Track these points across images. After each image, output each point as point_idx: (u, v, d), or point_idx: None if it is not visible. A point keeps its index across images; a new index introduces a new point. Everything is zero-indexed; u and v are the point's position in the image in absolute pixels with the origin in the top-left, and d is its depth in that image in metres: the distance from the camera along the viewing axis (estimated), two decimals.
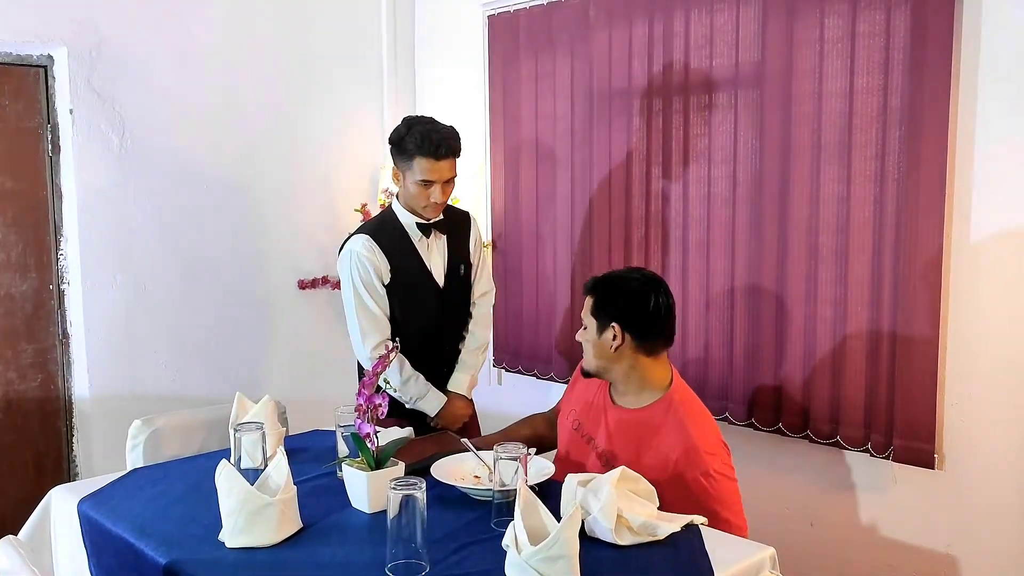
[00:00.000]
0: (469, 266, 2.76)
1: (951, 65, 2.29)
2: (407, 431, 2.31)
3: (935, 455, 2.40)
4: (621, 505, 1.69)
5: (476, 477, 2.03)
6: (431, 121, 2.59)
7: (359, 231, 2.66)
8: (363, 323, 2.58)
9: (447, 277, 2.70)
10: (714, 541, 1.72)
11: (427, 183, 2.54)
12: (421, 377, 2.64)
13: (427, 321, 2.68)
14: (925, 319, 2.39)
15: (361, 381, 1.86)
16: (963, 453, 2.41)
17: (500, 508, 1.79)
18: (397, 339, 1.90)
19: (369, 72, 3.89)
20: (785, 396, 2.71)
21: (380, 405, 1.79)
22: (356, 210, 3.67)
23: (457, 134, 2.59)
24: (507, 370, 3.64)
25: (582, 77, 3.20)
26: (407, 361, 2.62)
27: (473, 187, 3.71)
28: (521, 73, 3.42)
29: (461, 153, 2.59)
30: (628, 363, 2.08)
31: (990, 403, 2.35)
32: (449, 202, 2.70)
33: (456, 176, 2.60)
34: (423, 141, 2.50)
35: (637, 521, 1.68)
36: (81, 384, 3.21)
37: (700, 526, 1.77)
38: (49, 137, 3.12)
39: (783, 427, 2.73)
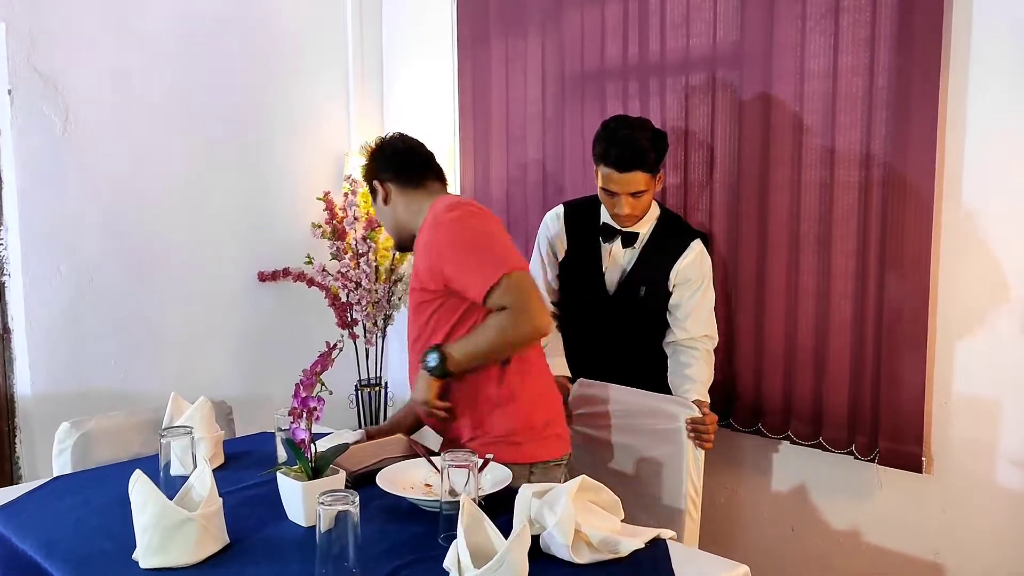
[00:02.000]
0: (658, 293, 2.42)
1: (941, 40, 2.14)
2: (357, 434, 2.15)
3: (923, 458, 2.26)
4: (580, 519, 1.53)
5: (427, 486, 1.87)
6: (628, 124, 2.33)
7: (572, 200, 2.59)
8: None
9: (619, 290, 2.45)
10: (681, 557, 1.56)
11: (608, 192, 2.34)
12: (557, 344, 2.49)
13: (590, 323, 2.51)
14: (913, 314, 2.24)
15: (298, 381, 1.70)
16: (952, 456, 2.27)
17: (449, 521, 1.62)
18: (342, 337, 1.73)
19: (334, 54, 3.72)
20: (764, 395, 2.56)
21: (316, 409, 1.63)
22: (319, 198, 3.50)
23: (652, 143, 2.28)
24: None
25: (554, 58, 3.04)
26: (555, 328, 2.50)
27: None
28: (491, 55, 3.26)
29: (657, 167, 2.31)
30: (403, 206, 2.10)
31: (981, 403, 2.21)
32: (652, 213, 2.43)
33: (648, 190, 2.32)
34: (607, 148, 2.29)
35: (597, 536, 1.53)
36: (23, 382, 3.03)
37: (667, 541, 1.62)
38: None
39: (763, 428, 2.58)
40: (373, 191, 2.17)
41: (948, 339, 2.25)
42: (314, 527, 1.60)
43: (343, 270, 3.45)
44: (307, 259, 3.48)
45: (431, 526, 1.67)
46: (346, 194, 3.48)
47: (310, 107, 3.64)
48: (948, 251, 2.22)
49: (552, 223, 2.56)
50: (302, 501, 1.65)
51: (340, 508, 1.39)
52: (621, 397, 2.36)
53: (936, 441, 2.28)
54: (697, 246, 2.43)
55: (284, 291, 3.56)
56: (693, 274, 2.41)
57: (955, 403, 2.25)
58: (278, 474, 1.71)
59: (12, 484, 3.04)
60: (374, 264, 3.49)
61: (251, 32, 3.45)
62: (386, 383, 3.73)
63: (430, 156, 2.20)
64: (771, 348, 2.53)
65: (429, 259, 2.00)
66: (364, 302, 3.48)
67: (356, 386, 3.67)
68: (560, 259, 2.56)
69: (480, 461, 1.68)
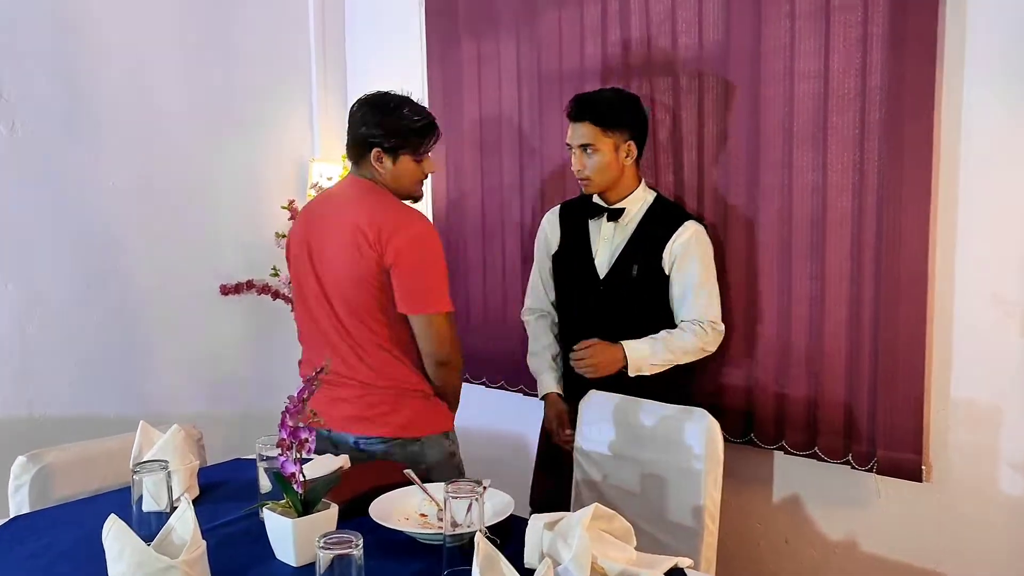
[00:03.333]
0: (652, 274, 2.37)
1: (936, 39, 2.09)
2: (341, 459, 2.03)
3: (922, 466, 2.21)
4: (595, 550, 1.44)
5: (422, 515, 1.76)
6: (603, 88, 2.50)
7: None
8: (530, 286, 2.63)
9: (611, 272, 2.40)
10: None
11: (569, 147, 2.40)
12: (546, 356, 2.53)
13: (583, 313, 2.47)
14: (910, 319, 2.19)
15: (284, 409, 1.57)
16: (953, 464, 2.22)
17: (453, 555, 1.52)
18: (327, 362, 1.60)
19: (296, 57, 3.58)
20: (756, 403, 2.49)
21: (307, 440, 1.50)
22: (283, 207, 3.35)
23: (610, 98, 2.36)
24: (467, 381, 3.35)
25: (529, 60, 2.94)
26: (552, 335, 2.55)
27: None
28: (462, 56, 3.15)
29: (607, 124, 2.32)
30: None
31: (981, 409, 2.17)
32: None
33: (599, 148, 2.33)
34: (571, 100, 2.38)
35: (615, 569, 1.43)
36: None
37: (686, 570, 1.53)
38: None
39: (755, 437, 2.51)
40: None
41: (946, 344, 2.20)
42: (306, 567, 1.48)
43: None
44: (273, 271, 3.33)
45: (432, 561, 1.56)
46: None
47: (271, 113, 3.49)
48: (945, 254, 2.18)
49: (547, 221, 2.59)
50: (292, 540, 1.53)
51: (343, 552, 1.27)
52: (632, 408, 2.28)
53: (935, 448, 2.23)
54: (693, 226, 2.37)
55: (248, 305, 3.40)
56: (690, 254, 2.34)
57: (954, 409, 2.21)
58: (264, 510, 1.58)
59: None
60: None
61: (208, 36, 3.29)
62: None
63: None
64: (763, 357, 2.46)
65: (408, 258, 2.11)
66: None
67: None
68: (553, 253, 2.55)
69: (482, 490, 1.57)
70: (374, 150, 2.19)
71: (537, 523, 1.50)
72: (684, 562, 1.54)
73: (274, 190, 3.45)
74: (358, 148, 2.22)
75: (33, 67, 2.84)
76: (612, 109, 2.33)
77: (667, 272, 2.38)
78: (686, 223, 2.38)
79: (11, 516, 1.88)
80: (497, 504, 1.74)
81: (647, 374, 2.36)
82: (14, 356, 2.86)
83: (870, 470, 2.29)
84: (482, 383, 3.21)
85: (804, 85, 2.31)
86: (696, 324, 2.37)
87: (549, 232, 2.57)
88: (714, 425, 2.15)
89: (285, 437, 1.51)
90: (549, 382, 2.52)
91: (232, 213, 3.38)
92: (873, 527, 2.38)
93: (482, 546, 1.30)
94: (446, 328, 2.17)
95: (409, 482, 1.84)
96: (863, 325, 2.27)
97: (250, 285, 3.35)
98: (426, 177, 2.31)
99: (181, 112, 3.22)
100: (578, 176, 2.40)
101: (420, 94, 3.30)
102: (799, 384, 2.40)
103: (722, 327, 2.40)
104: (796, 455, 2.43)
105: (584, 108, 2.33)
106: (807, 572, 2.52)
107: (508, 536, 1.64)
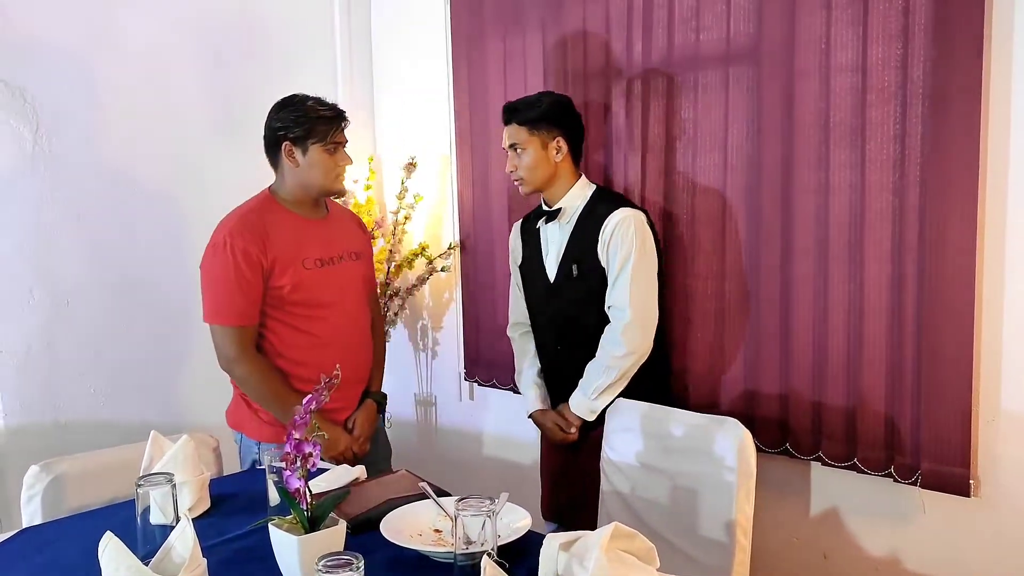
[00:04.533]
0: (592, 271, 2.36)
1: (983, 28, 1.97)
2: (356, 470, 1.97)
3: (970, 480, 2.08)
4: (614, 573, 1.35)
5: (437, 531, 1.69)
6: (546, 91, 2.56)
7: None
8: (510, 301, 2.67)
9: (558, 273, 2.43)
10: None
11: (506, 152, 2.46)
12: (532, 373, 2.56)
13: (543, 317, 2.52)
14: (956, 324, 2.07)
15: (290, 421, 1.51)
16: (1002, 479, 2.09)
17: (465, 574, 1.45)
18: (337, 370, 1.54)
19: (322, 57, 3.54)
20: (792, 412, 2.38)
21: (311, 455, 1.44)
22: None
23: (533, 100, 2.41)
24: (480, 384, 3.30)
25: (555, 56, 2.86)
26: (532, 350, 2.58)
27: (438, 181, 3.37)
28: (487, 54, 3.08)
29: (532, 124, 2.37)
30: None
31: None
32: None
33: (524, 148, 2.38)
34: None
35: None
36: None
37: None
38: None
39: (790, 447, 2.41)
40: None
41: (995, 351, 2.07)
42: None
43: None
44: None
45: None
46: None
47: None
48: (994, 255, 2.05)
49: (513, 234, 2.65)
50: (298, 558, 1.47)
51: (344, 575, 1.21)
52: (660, 417, 2.20)
53: (984, 461, 2.11)
54: (620, 213, 2.33)
55: None
56: (614, 240, 2.32)
57: (1004, 420, 2.08)
58: (270, 526, 1.52)
59: None
60: None
61: (233, 41, 3.26)
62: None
63: None
64: (798, 362, 2.35)
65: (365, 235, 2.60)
66: None
67: None
68: (519, 264, 2.60)
69: (496, 507, 1.49)
70: (284, 144, 2.29)
71: (552, 543, 1.42)
72: None
73: None
74: (271, 148, 2.35)
75: (57, 72, 2.84)
76: (535, 109, 2.37)
77: (603, 265, 2.35)
78: (615, 211, 2.34)
79: (23, 527, 1.86)
80: (515, 520, 1.67)
81: (603, 406, 2.34)
82: (40, 362, 2.86)
83: (914, 484, 2.17)
84: (509, 389, 3.14)
85: (841, 79, 2.20)
86: (605, 333, 2.35)
87: (514, 245, 2.62)
88: (746, 436, 2.06)
89: (290, 451, 1.45)
90: (534, 400, 2.54)
91: None
92: (917, 543, 2.26)
93: (489, 571, 1.22)
94: (216, 338, 2.27)
95: (423, 496, 1.77)
96: (905, 331, 2.16)
97: None
98: (343, 171, 2.35)
99: (204, 117, 3.20)
100: (513, 178, 2.45)
101: (446, 93, 3.25)
102: (837, 392, 2.29)
103: (632, 314, 2.30)
104: (835, 466, 2.31)
105: (510, 112, 2.40)
106: None
107: (524, 553, 1.56)
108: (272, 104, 2.36)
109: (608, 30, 2.69)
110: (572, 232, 2.40)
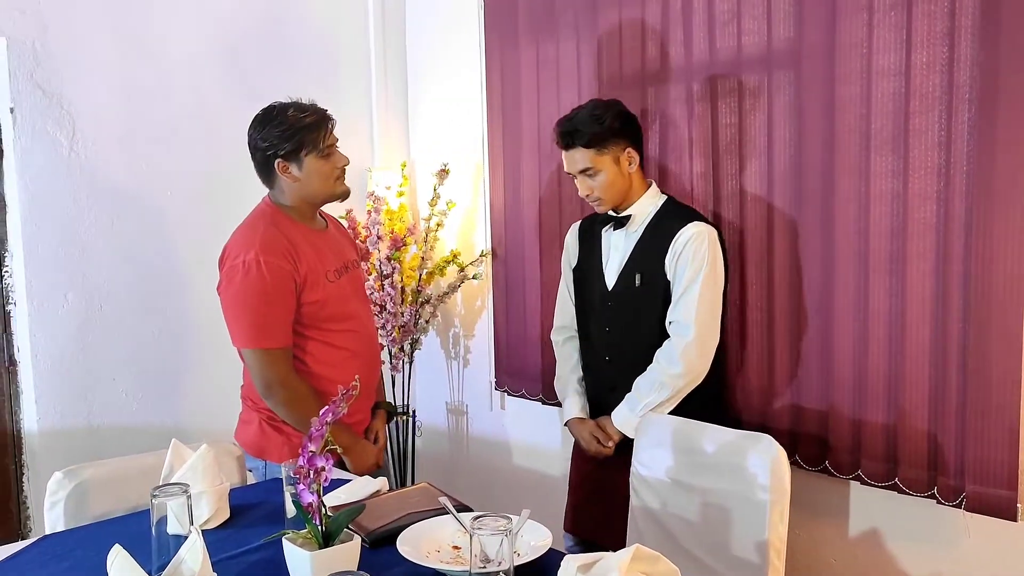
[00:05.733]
0: (656, 282, 2.27)
1: None
2: (379, 482, 1.94)
3: (1017, 504, 1.99)
4: None
5: (455, 548, 1.64)
6: (581, 106, 2.36)
7: None
8: (557, 304, 2.59)
9: (619, 281, 2.34)
10: None
11: (571, 176, 2.35)
12: (573, 380, 2.48)
13: (595, 326, 2.42)
14: (1003, 340, 1.98)
15: (308, 433, 1.48)
16: None
17: None
18: (356, 380, 1.50)
19: (356, 64, 3.53)
20: (832, 429, 2.30)
21: (324, 469, 1.41)
22: (341, 217, 3.29)
23: (591, 119, 2.25)
24: (510, 394, 3.25)
25: (589, 63, 2.81)
26: (575, 357, 2.49)
27: (471, 187, 3.34)
28: (521, 60, 3.04)
29: (599, 144, 2.25)
30: None
31: None
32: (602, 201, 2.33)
33: (598, 170, 2.26)
34: (555, 128, 2.33)
35: None
36: (30, 417, 2.85)
37: None
38: None
39: (829, 466, 2.32)
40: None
41: None
42: None
43: (367, 292, 3.24)
44: None
45: None
46: (369, 212, 3.28)
47: None
48: None
49: (570, 235, 2.56)
50: (311, 573, 1.43)
51: None
52: (693, 433, 2.14)
53: None
54: (694, 227, 2.24)
55: None
56: (685, 255, 2.23)
57: None
58: (284, 540, 1.49)
59: (20, 525, 2.89)
60: (399, 286, 3.28)
61: (267, 45, 3.27)
62: (414, 411, 3.51)
63: None
64: (838, 377, 2.27)
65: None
66: (389, 326, 3.27)
67: None
68: (574, 267, 2.52)
69: (516, 524, 1.44)
70: (277, 162, 2.19)
71: (571, 565, 1.37)
72: None
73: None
74: (263, 168, 2.25)
75: (92, 77, 2.86)
76: (599, 127, 2.24)
77: (669, 279, 2.26)
78: (688, 224, 2.25)
79: (45, 534, 1.85)
80: (536, 538, 1.62)
81: None
82: (74, 366, 2.88)
83: (958, 506, 2.07)
84: (538, 399, 3.09)
85: (883, 83, 2.12)
86: (662, 348, 2.26)
87: (571, 247, 2.53)
88: (781, 453, 1.99)
89: (303, 465, 1.42)
90: (573, 408, 2.45)
91: None
92: (961, 568, 2.16)
93: None
94: (254, 363, 2.15)
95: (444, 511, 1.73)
96: (950, 346, 2.07)
97: None
98: (342, 172, 2.27)
99: (238, 122, 3.18)
100: (589, 200, 2.34)
101: (479, 99, 3.22)
102: (877, 409, 2.20)
103: (695, 333, 2.21)
104: (875, 486, 2.23)
105: (571, 136, 2.26)
106: None
107: (544, 572, 1.52)
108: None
109: (644, 36, 2.63)
110: (639, 241, 2.31)
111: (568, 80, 2.88)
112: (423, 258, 3.34)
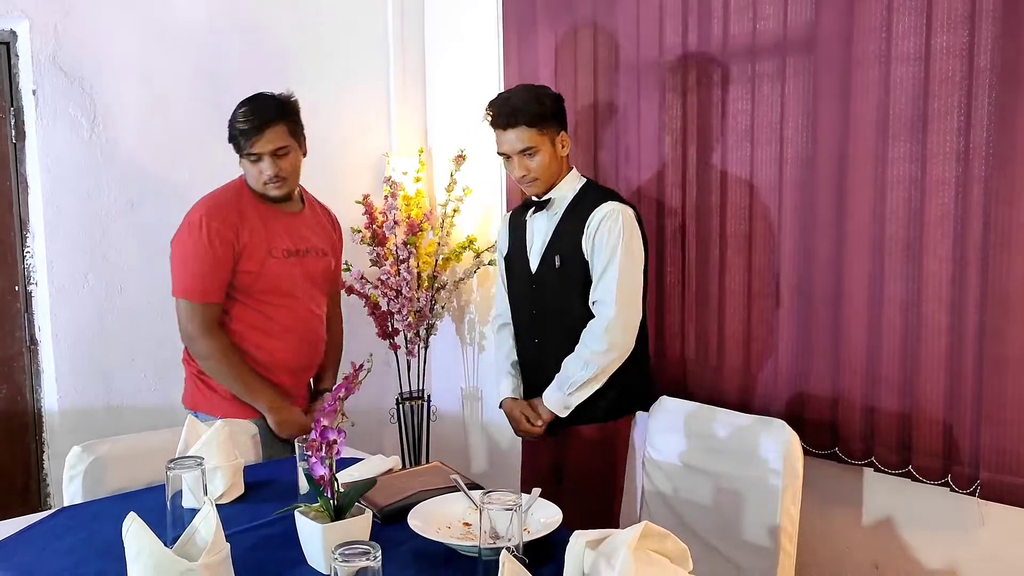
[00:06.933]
0: (571, 260, 2.29)
1: None
2: (391, 460, 1.96)
3: None
4: (642, 574, 1.30)
5: (466, 524, 1.66)
6: (514, 87, 2.44)
7: None
8: (496, 294, 2.63)
9: (541, 263, 2.36)
10: None
11: (504, 157, 2.34)
12: (507, 364, 2.49)
13: (523, 310, 2.45)
14: (1020, 327, 1.96)
15: (320, 408, 1.49)
16: None
17: (489, 569, 1.41)
18: (371, 357, 1.52)
19: (374, 50, 3.53)
20: (843, 416, 2.29)
21: (336, 443, 1.42)
22: (358, 202, 3.32)
23: (530, 98, 2.28)
24: None
25: (606, 48, 2.81)
26: (510, 343, 2.50)
27: (487, 174, 3.34)
28: (538, 46, 3.04)
29: (541, 124, 2.26)
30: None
31: None
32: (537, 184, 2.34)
33: (539, 148, 2.27)
34: (488, 109, 2.33)
35: None
36: (50, 396, 2.89)
37: None
38: (12, 122, 2.81)
39: (840, 452, 2.31)
40: (298, 139, 2.42)
41: None
42: None
43: (383, 277, 3.26)
44: (345, 266, 3.30)
45: (470, 574, 1.45)
46: (386, 197, 3.29)
47: (349, 107, 3.46)
48: None
49: (500, 229, 2.59)
50: (322, 546, 1.45)
51: (360, 564, 1.18)
52: (705, 417, 2.15)
53: None
54: (607, 207, 2.26)
55: None
56: (600, 234, 2.24)
57: None
58: (296, 513, 1.51)
59: (41, 502, 2.94)
60: (415, 271, 3.30)
61: (286, 30, 3.28)
62: (428, 396, 3.53)
63: None
64: (851, 364, 2.26)
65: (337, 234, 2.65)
66: (405, 311, 3.28)
67: (397, 399, 3.48)
68: (504, 255, 2.53)
69: (526, 501, 1.45)
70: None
71: (579, 541, 1.37)
72: None
73: (349, 185, 3.41)
74: None
75: (113, 59, 2.89)
76: (539, 106, 2.27)
77: (587, 258, 2.27)
78: (602, 204, 2.27)
79: (66, 504, 1.88)
80: (546, 515, 1.63)
81: (577, 402, 2.29)
82: (94, 346, 2.92)
83: (972, 494, 2.06)
84: None
85: (901, 68, 2.11)
86: (587, 328, 2.26)
87: (501, 236, 2.56)
88: (793, 438, 1.99)
89: (316, 439, 1.43)
90: (505, 389, 2.47)
91: None
92: (975, 557, 2.15)
93: (507, 565, 1.18)
94: (180, 313, 2.35)
95: (455, 489, 1.74)
96: (966, 333, 2.05)
97: None
98: (275, 179, 2.36)
99: None
100: (523, 181, 2.33)
101: (496, 85, 3.22)
102: (891, 396, 2.20)
103: (617, 310, 2.22)
104: (888, 473, 2.22)
105: (513, 115, 2.26)
106: None
107: (554, 550, 1.52)
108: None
109: (661, 20, 2.63)
110: (558, 223, 2.33)
111: (585, 65, 2.88)
112: (439, 244, 3.35)
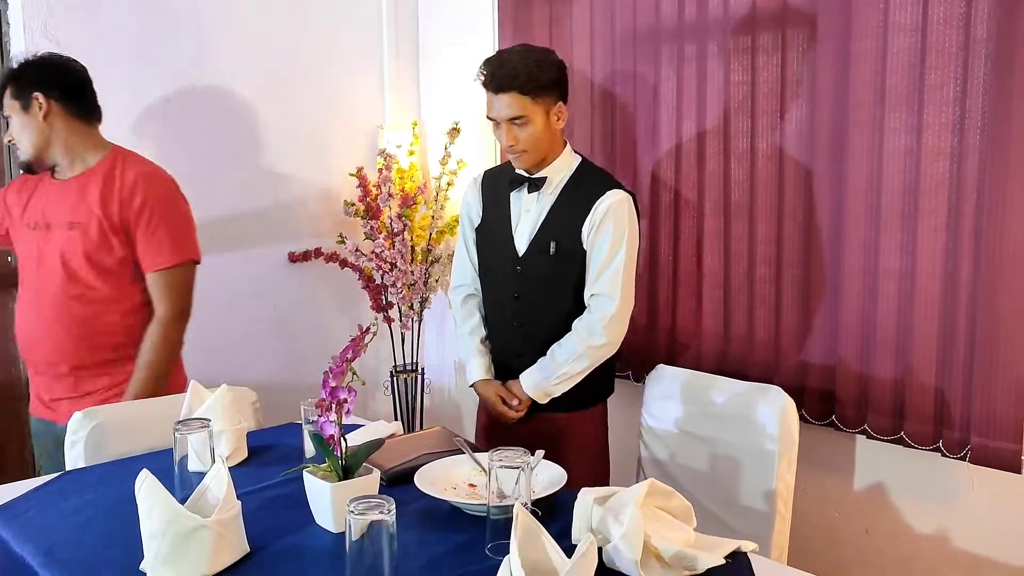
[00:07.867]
0: (571, 252, 2.17)
1: None
2: (393, 426, 1.97)
3: (1022, 456, 2.01)
4: (649, 529, 1.33)
5: (471, 485, 1.68)
6: (511, 49, 2.24)
7: None
8: (454, 261, 2.47)
9: (530, 248, 2.21)
10: (767, 574, 1.35)
11: (494, 123, 2.17)
12: (476, 340, 2.35)
13: (503, 291, 2.29)
14: (1013, 296, 1.99)
15: (327, 369, 1.50)
16: None
17: (497, 528, 1.43)
18: (377, 319, 1.53)
19: (368, 21, 3.51)
20: (839, 383, 2.32)
21: (347, 401, 1.44)
22: (351, 175, 3.31)
23: (528, 63, 2.10)
24: None
25: (603, 19, 2.81)
26: (480, 315, 2.38)
27: (481, 148, 3.34)
28: (534, 18, 3.04)
29: (536, 92, 2.09)
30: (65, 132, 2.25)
31: None
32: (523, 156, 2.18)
33: (530, 118, 2.10)
34: (483, 69, 2.16)
35: (670, 551, 1.32)
36: None
37: (749, 554, 1.41)
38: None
39: (836, 420, 2.35)
40: (28, 101, 2.20)
41: None
42: (344, 533, 1.41)
43: (377, 250, 3.26)
44: (339, 239, 3.30)
45: (477, 533, 1.48)
46: (380, 170, 3.29)
47: (341, 80, 3.44)
48: None
49: (469, 191, 2.41)
50: (331, 504, 1.47)
51: (373, 518, 1.20)
52: (702, 384, 2.17)
53: None
54: (612, 196, 2.15)
55: (316, 273, 3.37)
56: (604, 226, 2.13)
57: None
58: (305, 473, 1.53)
59: (35, 472, 2.92)
60: (409, 244, 3.30)
61: (278, 3, 3.25)
62: (422, 369, 3.54)
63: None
64: (846, 332, 2.29)
65: (127, 209, 2.23)
66: (399, 284, 3.29)
67: (391, 372, 3.49)
68: (476, 226, 2.37)
69: (532, 461, 1.47)
70: None
71: (587, 497, 1.40)
72: (748, 546, 1.42)
73: (343, 158, 3.41)
74: None
75: (106, 29, 2.86)
76: (536, 75, 2.09)
77: (585, 248, 2.16)
78: (607, 192, 2.15)
79: (68, 469, 1.89)
80: (551, 476, 1.65)
81: (560, 393, 2.20)
82: None
83: (962, 459, 2.10)
84: None
85: (899, 39, 2.13)
86: (583, 319, 2.17)
87: (472, 203, 2.38)
88: (789, 404, 2.03)
89: (325, 397, 1.44)
90: (478, 369, 2.33)
91: (301, 182, 3.34)
92: (964, 520, 2.20)
93: (521, 518, 1.20)
94: (189, 277, 2.43)
95: (459, 451, 1.76)
96: (959, 302, 2.09)
97: (318, 253, 3.33)
98: (13, 145, 2.31)
99: (252, 79, 3.20)
100: (510, 152, 2.18)
101: None
102: (885, 364, 2.23)
103: (619, 306, 2.14)
104: (880, 440, 2.26)
105: (506, 78, 2.09)
106: (890, 565, 2.35)
107: (559, 510, 1.55)
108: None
109: None
110: (553, 206, 2.20)
111: (581, 38, 2.88)
112: (433, 217, 3.35)
